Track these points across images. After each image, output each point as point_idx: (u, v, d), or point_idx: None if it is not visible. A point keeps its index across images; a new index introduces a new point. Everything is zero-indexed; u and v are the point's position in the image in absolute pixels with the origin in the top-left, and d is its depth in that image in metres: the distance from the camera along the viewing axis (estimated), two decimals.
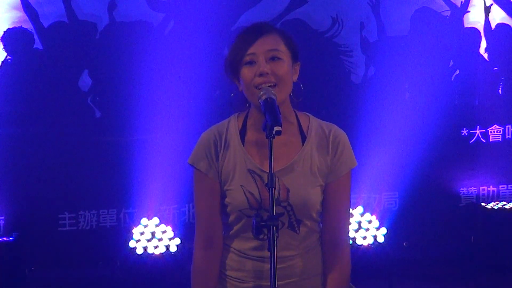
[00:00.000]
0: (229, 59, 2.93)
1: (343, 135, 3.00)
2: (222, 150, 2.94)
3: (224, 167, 2.94)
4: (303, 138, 2.97)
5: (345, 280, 3.04)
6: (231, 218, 2.96)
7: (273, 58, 2.88)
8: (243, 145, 2.95)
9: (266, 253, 2.87)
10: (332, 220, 3.00)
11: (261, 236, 2.92)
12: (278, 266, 2.84)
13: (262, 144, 2.93)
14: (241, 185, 2.92)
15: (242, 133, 2.97)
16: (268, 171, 2.76)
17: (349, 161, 2.99)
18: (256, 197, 2.91)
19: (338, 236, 3.02)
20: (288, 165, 2.92)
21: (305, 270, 3.00)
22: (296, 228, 2.95)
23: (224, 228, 3.01)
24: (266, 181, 2.80)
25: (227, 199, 2.95)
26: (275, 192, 2.88)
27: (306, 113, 3.03)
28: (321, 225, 3.03)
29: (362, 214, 7.18)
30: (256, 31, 2.92)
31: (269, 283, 2.74)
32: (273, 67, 2.87)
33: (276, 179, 2.89)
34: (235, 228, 2.98)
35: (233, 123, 2.99)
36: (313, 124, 3.01)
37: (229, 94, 3.03)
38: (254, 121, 2.96)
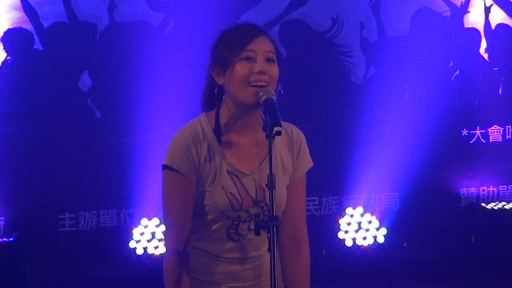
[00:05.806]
0: (223, 51, 2.91)
1: (302, 135, 3.06)
2: (201, 151, 2.92)
3: (203, 168, 2.92)
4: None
5: (307, 274, 3.10)
6: (208, 218, 2.94)
7: (269, 60, 2.89)
8: (220, 146, 2.94)
9: (238, 255, 2.96)
10: (295, 218, 3.05)
11: (235, 237, 2.95)
12: (247, 267, 2.97)
13: (239, 145, 2.95)
14: (222, 186, 2.91)
15: (217, 133, 2.95)
16: (246, 173, 2.91)
17: (308, 161, 3.06)
18: (237, 198, 2.91)
19: (301, 233, 3.07)
20: (262, 165, 2.93)
21: (270, 269, 3.01)
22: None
23: (193, 230, 2.97)
24: (244, 183, 2.91)
25: (206, 201, 2.92)
26: (253, 193, 2.92)
27: None
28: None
29: (362, 215, 7.18)
30: (255, 29, 2.93)
31: (239, 285, 2.90)
32: (268, 68, 2.88)
33: (252, 180, 2.92)
34: (211, 228, 2.95)
35: (205, 123, 2.97)
36: None
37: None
38: (228, 120, 2.94)
